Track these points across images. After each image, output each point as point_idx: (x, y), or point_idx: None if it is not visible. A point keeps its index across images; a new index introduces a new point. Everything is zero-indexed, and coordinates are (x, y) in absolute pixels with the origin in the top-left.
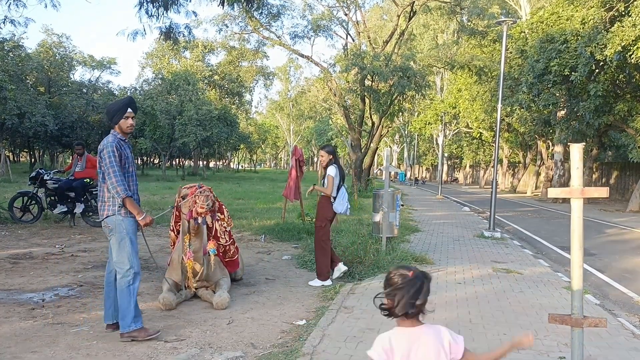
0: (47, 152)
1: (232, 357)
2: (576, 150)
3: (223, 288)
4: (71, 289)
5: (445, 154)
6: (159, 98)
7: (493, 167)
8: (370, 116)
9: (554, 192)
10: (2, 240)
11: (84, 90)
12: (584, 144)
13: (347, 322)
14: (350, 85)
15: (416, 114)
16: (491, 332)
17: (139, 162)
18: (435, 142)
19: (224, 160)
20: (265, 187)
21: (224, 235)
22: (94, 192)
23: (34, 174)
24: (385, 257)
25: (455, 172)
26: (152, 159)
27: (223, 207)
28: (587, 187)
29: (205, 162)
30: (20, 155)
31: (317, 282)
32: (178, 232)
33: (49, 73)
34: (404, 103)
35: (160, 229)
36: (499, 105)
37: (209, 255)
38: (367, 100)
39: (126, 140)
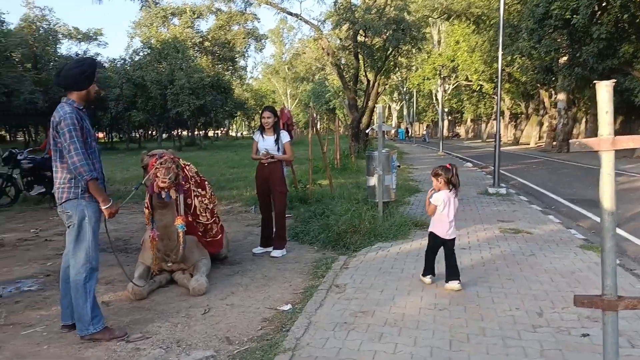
0: (43, 130)
1: (201, 357)
2: (604, 90)
3: (201, 271)
4: (36, 280)
5: (446, 109)
6: (149, 68)
7: (495, 119)
8: (366, 74)
9: (577, 145)
10: None
11: None
12: (614, 81)
13: (338, 305)
14: (342, 42)
15: (413, 69)
16: (501, 306)
17: (136, 135)
18: (434, 98)
19: (222, 129)
20: None
21: (205, 212)
22: None
23: (6, 154)
24: (382, 224)
25: (457, 127)
26: (149, 132)
27: (205, 182)
28: (618, 137)
29: (203, 132)
30: (17, 135)
31: (279, 252)
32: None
33: (34, 48)
34: (399, 58)
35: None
36: (500, 54)
37: (179, 232)
38: (360, 57)
39: (84, 110)
